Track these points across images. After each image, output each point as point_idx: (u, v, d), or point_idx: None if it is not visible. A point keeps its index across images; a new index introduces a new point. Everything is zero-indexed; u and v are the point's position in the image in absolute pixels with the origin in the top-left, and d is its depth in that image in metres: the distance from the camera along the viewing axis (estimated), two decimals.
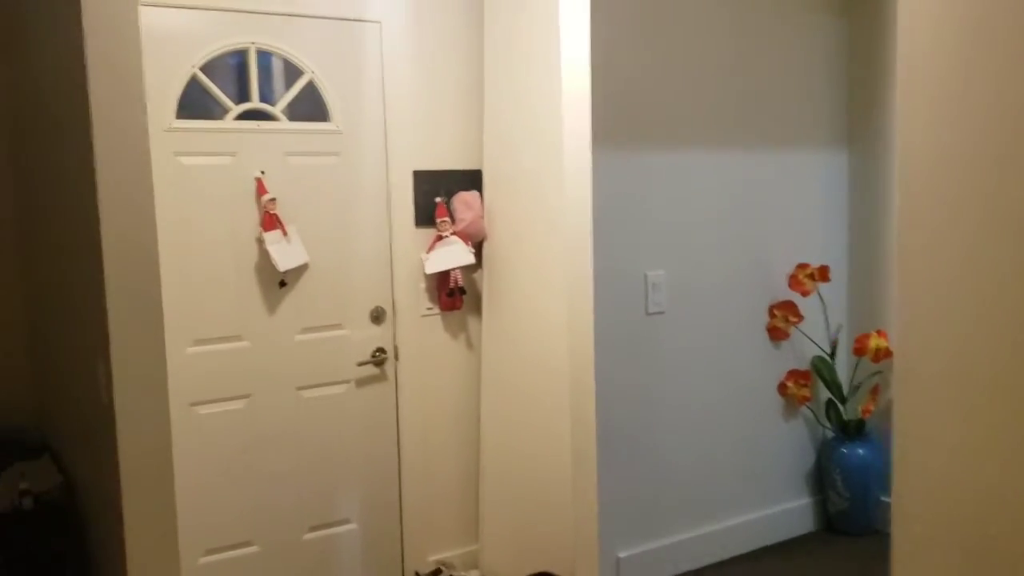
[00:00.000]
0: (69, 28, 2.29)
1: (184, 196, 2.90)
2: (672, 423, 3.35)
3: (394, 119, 3.25)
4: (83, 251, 2.42)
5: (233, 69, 3.01)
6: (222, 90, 2.98)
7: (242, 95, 3.02)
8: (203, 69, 2.94)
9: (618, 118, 3.08)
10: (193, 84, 2.93)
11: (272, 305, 3.10)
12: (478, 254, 3.39)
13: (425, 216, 3.31)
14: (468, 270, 3.40)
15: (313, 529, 3.23)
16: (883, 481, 3.60)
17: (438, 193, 3.32)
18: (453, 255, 3.29)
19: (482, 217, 3.35)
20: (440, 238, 3.30)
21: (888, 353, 3.56)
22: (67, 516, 2.77)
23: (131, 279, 2.23)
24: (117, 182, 2.24)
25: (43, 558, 2.67)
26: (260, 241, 3.02)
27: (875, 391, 3.66)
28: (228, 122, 2.99)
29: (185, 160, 2.91)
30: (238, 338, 3.06)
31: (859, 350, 3.62)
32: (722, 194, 3.41)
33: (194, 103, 2.92)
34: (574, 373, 3.05)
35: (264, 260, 3.04)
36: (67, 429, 2.87)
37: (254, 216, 3.02)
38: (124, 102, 2.21)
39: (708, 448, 3.45)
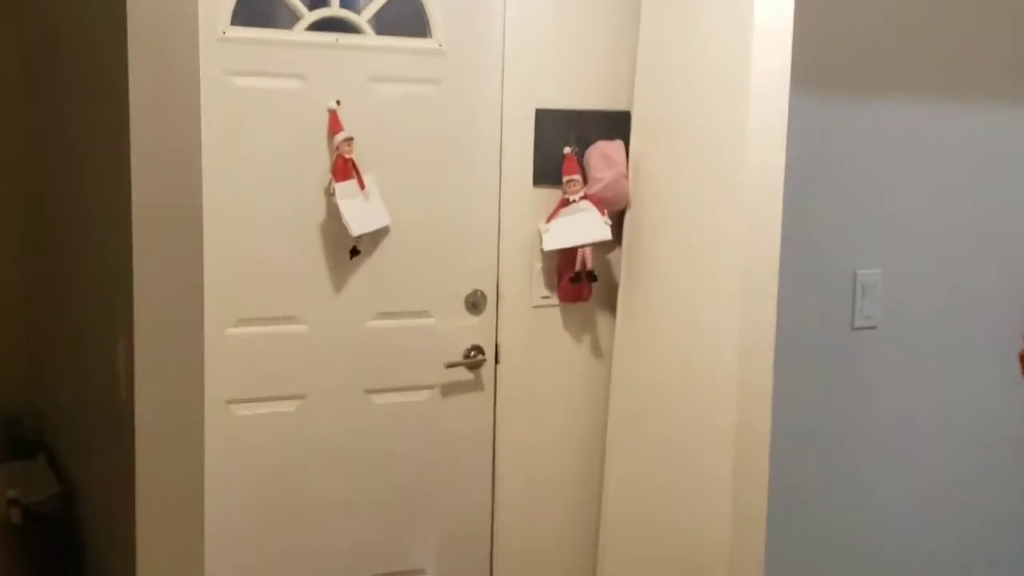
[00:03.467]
0: None
1: (235, 128, 2.64)
2: (874, 474, 2.82)
3: (516, 38, 2.90)
4: (107, 197, 2.25)
5: None
6: None
7: None
8: None
9: (828, 54, 2.60)
10: None
11: (339, 280, 2.82)
12: (617, 227, 2.98)
13: (548, 172, 2.95)
14: (602, 249, 3.00)
15: None
16: None
17: (568, 141, 2.94)
18: (583, 227, 2.92)
19: (626, 177, 2.94)
20: (567, 202, 2.93)
21: None
22: (64, 534, 2.66)
23: (166, 235, 2.06)
24: (154, 104, 2.04)
25: None
26: (330, 194, 2.71)
27: None
28: (298, 33, 2.69)
29: (239, 81, 2.64)
30: (293, 319, 2.78)
31: None
32: (968, 167, 2.83)
33: (255, 6, 2.65)
34: (743, 401, 2.67)
35: (333, 219, 2.74)
36: (71, 426, 2.80)
37: (324, 160, 2.72)
38: None
39: (925, 513, 2.89)
